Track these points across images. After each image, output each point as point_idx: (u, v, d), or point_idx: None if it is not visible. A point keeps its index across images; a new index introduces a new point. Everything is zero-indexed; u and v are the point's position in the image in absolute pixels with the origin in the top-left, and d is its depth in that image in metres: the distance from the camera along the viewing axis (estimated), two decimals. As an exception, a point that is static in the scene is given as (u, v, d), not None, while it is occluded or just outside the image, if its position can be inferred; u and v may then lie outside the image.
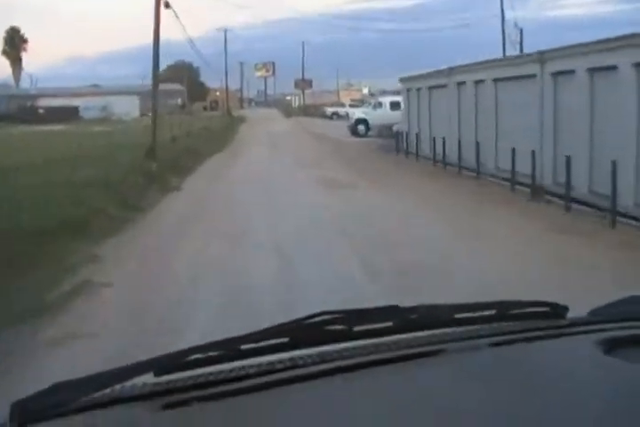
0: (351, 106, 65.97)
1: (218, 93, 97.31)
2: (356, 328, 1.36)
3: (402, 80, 26.98)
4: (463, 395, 1.21)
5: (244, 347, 1.29)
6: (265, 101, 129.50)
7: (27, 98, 66.60)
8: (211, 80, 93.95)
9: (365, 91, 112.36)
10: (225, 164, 22.43)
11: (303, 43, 75.57)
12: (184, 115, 66.27)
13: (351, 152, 26.22)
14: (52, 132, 42.50)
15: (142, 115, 65.63)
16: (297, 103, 77.76)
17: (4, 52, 78.02)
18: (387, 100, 36.86)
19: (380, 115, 35.63)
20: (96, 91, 69.31)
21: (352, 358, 1.35)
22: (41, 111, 59.52)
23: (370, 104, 37.17)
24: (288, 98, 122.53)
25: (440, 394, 1.24)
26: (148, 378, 1.21)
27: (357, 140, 34.07)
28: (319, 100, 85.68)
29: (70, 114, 60.14)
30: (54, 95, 64.49)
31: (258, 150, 27.18)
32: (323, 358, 1.33)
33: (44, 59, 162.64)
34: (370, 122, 35.89)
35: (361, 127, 36.04)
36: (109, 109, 63.81)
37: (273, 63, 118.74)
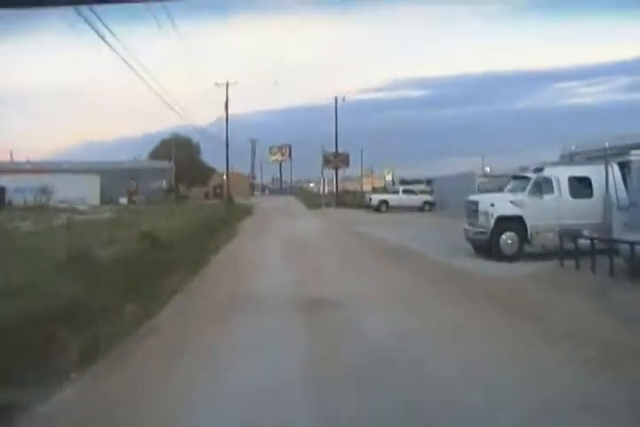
0: (405, 191, 45.97)
1: (225, 177, 76.81)
2: None
3: None
4: None
5: None
6: (280, 189, 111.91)
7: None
8: (216, 162, 74.88)
9: (389, 177, 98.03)
10: None
11: (337, 104, 55.41)
12: (167, 203, 46.19)
13: None
14: None
15: (104, 202, 45.56)
16: (324, 189, 57.81)
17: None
18: (562, 173, 16.27)
19: (550, 207, 15.34)
20: (38, 166, 49.56)
21: None
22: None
23: (528, 183, 16.25)
24: (310, 185, 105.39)
25: None
26: None
27: (510, 271, 13.36)
28: (340, 186, 66.85)
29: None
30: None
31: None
32: None
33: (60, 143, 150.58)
34: (528, 223, 15.37)
35: (509, 237, 15.37)
36: (56, 192, 43.92)
37: (289, 146, 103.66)
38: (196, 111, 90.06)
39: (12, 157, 67.84)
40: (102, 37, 15.54)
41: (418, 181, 55.74)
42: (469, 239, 16.46)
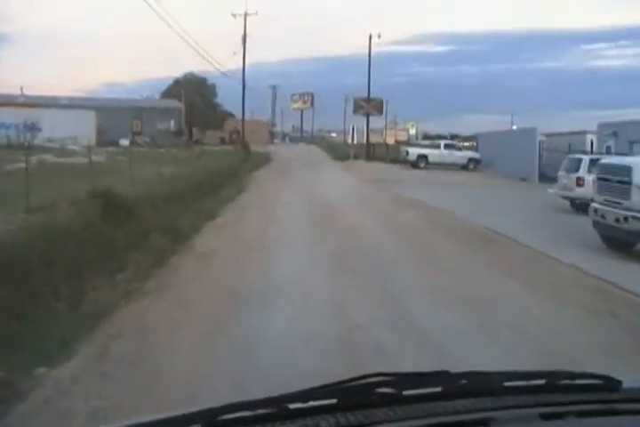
0: (448, 146, 39.27)
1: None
2: (406, 392, 1.31)
3: None
4: None
5: (291, 406, 1.24)
6: (301, 137, 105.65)
7: None
8: (235, 108, 68.45)
9: (412, 131, 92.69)
10: None
11: (370, 43, 47.36)
12: (174, 147, 40.19)
13: None
14: None
15: (102, 143, 39.51)
16: (353, 139, 51.28)
17: None
18: None
19: None
20: (32, 101, 43.29)
21: (399, 422, 1.26)
22: None
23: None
24: (332, 135, 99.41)
25: None
26: None
27: None
28: (362, 139, 60.49)
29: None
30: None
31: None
32: (370, 420, 1.25)
33: (83, 83, 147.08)
34: None
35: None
36: (46, 130, 38.17)
37: (312, 94, 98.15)
38: (217, 56, 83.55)
39: (22, 92, 61.65)
40: None
41: (441, 137, 50.84)
42: (603, 226, 10.47)
